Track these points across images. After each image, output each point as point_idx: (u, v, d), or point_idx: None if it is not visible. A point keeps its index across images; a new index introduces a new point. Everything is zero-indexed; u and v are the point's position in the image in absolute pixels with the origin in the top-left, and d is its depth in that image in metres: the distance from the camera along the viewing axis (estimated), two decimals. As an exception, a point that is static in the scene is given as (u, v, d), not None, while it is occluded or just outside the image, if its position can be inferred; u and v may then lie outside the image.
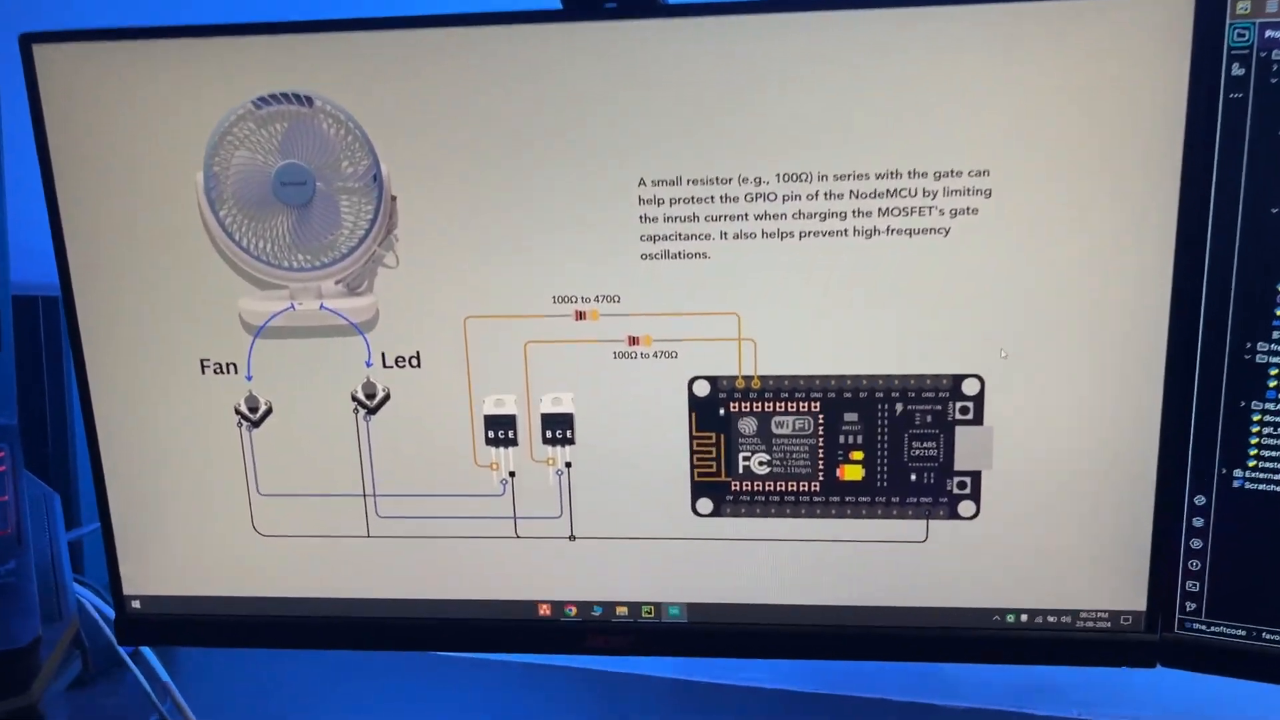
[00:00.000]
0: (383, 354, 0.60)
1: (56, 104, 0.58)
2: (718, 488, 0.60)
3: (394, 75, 0.56)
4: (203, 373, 0.62)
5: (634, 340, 0.58)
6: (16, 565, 0.63)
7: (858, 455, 0.59)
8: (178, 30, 0.56)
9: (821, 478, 0.59)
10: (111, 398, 0.63)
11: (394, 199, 0.57)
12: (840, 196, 0.55)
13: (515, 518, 0.62)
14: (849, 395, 0.58)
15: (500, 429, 0.60)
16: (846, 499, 0.60)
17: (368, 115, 0.56)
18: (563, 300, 0.58)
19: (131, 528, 0.65)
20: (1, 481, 0.64)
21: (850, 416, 0.58)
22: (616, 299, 0.58)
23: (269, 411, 0.62)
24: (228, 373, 0.61)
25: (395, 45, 0.55)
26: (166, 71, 0.57)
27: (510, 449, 0.61)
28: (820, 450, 0.59)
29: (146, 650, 0.76)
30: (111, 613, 0.68)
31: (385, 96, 0.56)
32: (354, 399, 0.61)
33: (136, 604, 0.68)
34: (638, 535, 0.61)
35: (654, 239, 0.57)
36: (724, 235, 0.56)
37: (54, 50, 0.57)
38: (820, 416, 0.58)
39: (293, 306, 0.60)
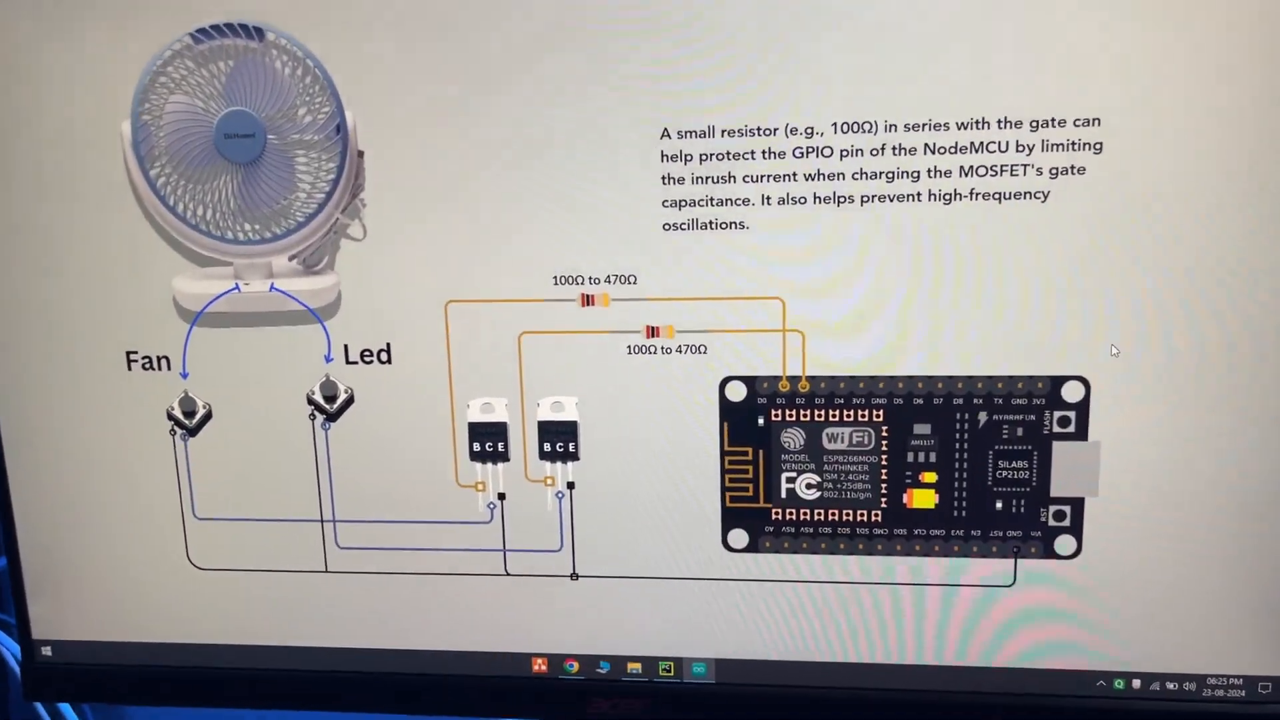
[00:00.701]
0: (345, 347, 0.54)
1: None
2: (755, 516, 0.54)
3: (362, 2, 0.50)
4: (129, 368, 0.56)
5: (653, 331, 0.52)
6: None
7: (929, 477, 0.52)
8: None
9: (884, 505, 0.53)
10: (19, 399, 0.57)
11: (361, 155, 0.51)
12: (912, 152, 0.49)
13: (505, 550, 0.56)
14: (920, 402, 0.52)
15: (488, 440, 0.55)
16: (915, 532, 0.53)
17: (330, 52, 0.50)
18: (566, 281, 0.52)
19: (43, 558, 0.59)
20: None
21: (921, 429, 0.52)
22: (632, 280, 0.52)
23: (208, 416, 0.56)
24: (159, 369, 0.56)
25: (365, -36, 0.50)
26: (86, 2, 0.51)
27: (500, 465, 0.55)
28: (883, 470, 0.53)
29: (66, 708, 0.65)
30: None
31: (351, 29, 0.50)
32: (310, 402, 0.55)
33: (48, 651, 0.61)
34: (655, 574, 0.56)
35: (679, 205, 0.51)
36: (766, 200, 0.50)
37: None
38: (883, 428, 0.52)
39: (237, 288, 0.54)
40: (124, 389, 0.56)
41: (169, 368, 0.55)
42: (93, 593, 0.59)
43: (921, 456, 0.52)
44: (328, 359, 0.54)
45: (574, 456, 0.54)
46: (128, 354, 0.55)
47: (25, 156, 0.53)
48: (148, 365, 0.55)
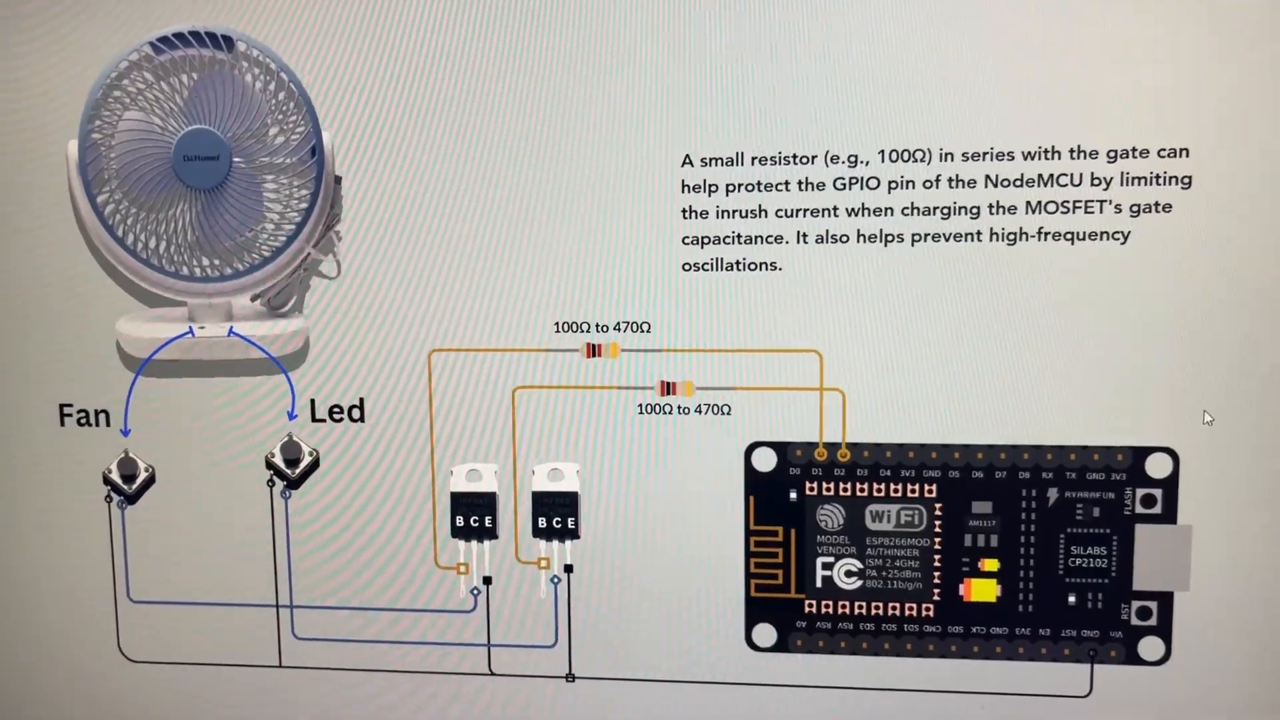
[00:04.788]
0: (312, 401, 0.51)
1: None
2: (785, 609, 0.50)
3: (344, 13, 0.48)
4: (62, 424, 0.52)
5: (668, 388, 0.49)
6: None
7: (991, 565, 0.49)
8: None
9: (937, 597, 0.49)
10: (-66, 457, 0.53)
11: (338, 181, 0.49)
12: (971, 184, 0.46)
13: (489, 645, 0.52)
14: (979, 475, 0.48)
15: (474, 513, 0.51)
16: (974, 630, 0.49)
17: (307, 64, 0.48)
18: (569, 328, 0.49)
19: (-49, 645, 0.54)
20: None
21: (981, 507, 0.48)
22: (645, 328, 0.49)
23: (150, 480, 0.52)
24: (97, 424, 0.52)
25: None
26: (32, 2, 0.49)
27: (486, 543, 0.51)
28: (936, 556, 0.49)
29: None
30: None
31: (332, 42, 0.48)
32: (269, 465, 0.51)
33: (-49, 756, 0.55)
34: (665, 676, 0.51)
35: (701, 243, 0.48)
36: (802, 238, 0.47)
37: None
38: (937, 506, 0.48)
39: (191, 332, 0.50)
40: (55, 447, 0.52)
41: (108, 423, 0.52)
42: (6, 687, 0.54)
43: (981, 540, 0.48)
44: (291, 416, 0.51)
45: (573, 534, 0.51)
46: (61, 407, 0.52)
47: (-46, 177, 0.50)
48: (84, 420, 0.52)
